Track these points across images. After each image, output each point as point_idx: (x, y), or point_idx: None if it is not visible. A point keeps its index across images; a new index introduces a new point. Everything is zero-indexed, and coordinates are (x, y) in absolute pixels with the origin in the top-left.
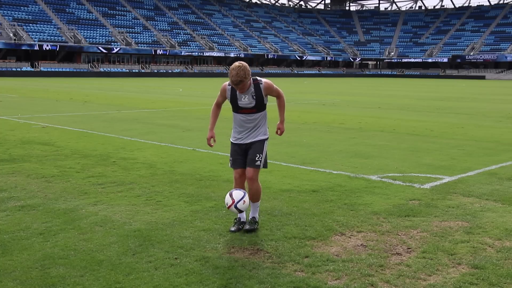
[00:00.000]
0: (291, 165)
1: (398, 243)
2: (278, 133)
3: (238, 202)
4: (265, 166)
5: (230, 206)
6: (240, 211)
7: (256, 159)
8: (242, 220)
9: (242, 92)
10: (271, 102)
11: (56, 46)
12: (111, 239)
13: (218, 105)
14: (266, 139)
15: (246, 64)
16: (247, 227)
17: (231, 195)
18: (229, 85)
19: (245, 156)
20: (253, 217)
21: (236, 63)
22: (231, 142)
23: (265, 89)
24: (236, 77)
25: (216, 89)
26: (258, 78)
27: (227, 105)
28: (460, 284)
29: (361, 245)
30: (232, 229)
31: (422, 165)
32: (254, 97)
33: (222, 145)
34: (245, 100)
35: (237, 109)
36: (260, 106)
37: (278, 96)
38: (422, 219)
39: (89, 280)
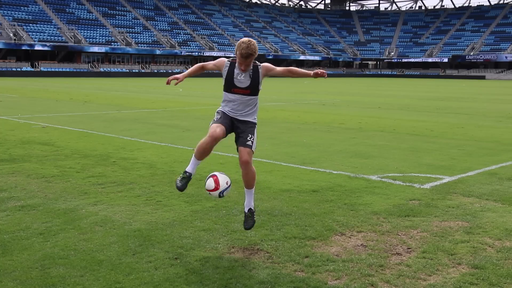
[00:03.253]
0: (291, 165)
1: (398, 243)
2: (321, 73)
3: (224, 190)
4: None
5: (212, 190)
6: (221, 197)
7: (248, 139)
8: (191, 177)
9: (245, 70)
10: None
11: (56, 46)
12: (111, 239)
13: (203, 68)
14: (256, 124)
15: (255, 41)
16: (248, 225)
17: (216, 181)
18: (228, 61)
19: (232, 128)
20: (250, 209)
21: (245, 38)
22: (220, 111)
23: (263, 70)
24: (247, 50)
25: (216, 89)
26: (258, 62)
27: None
28: (460, 284)
29: (361, 245)
30: (180, 184)
31: (422, 165)
32: (251, 76)
33: (222, 145)
34: (241, 78)
35: (230, 87)
36: (254, 88)
37: (289, 70)
38: (422, 219)
39: (89, 280)
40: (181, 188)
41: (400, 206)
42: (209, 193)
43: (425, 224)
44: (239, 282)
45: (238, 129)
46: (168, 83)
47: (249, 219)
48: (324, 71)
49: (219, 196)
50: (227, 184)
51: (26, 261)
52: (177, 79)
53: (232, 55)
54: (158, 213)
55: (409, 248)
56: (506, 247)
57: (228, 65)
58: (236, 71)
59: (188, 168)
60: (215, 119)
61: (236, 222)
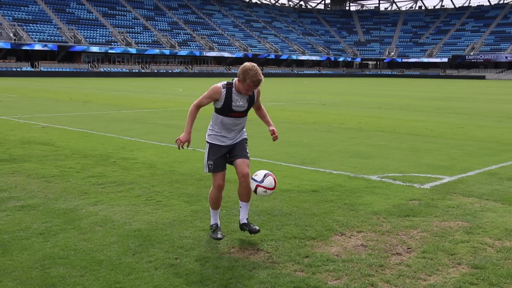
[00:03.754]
0: (291, 165)
1: (398, 243)
2: (275, 135)
3: (271, 189)
4: None
5: (271, 189)
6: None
7: (247, 151)
8: (219, 226)
9: (245, 95)
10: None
11: (56, 46)
12: (111, 239)
13: (199, 108)
14: (246, 138)
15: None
16: (256, 228)
17: (275, 180)
18: (223, 87)
19: (225, 158)
20: (247, 219)
21: (248, 64)
22: (212, 143)
23: (257, 93)
24: (257, 77)
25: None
26: None
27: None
28: (460, 284)
29: (361, 245)
30: (219, 236)
31: (422, 165)
32: (248, 100)
33: None
34: (240, 103)
35: (227, 112)
36: (249, 109)
37: (260, 106)
38: (422, 219)
39: (89, 280)
40: (220, 238)
41: (400, 206)
42: (266, 191)
43: (425, 224)
44: (239, 282)
45: (233, 149)
46: (181, 148)
47: (252, 225)
48: (276, 136)
49: (265, 192)
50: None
51: (26, 261)
52: (188, 141)
53: (224, 82)
54: (158, 213)
55: (409, 248)
56: (506, 247)
57: (225, 92)
58: (235, 96)
59: (212, 221)
60: (210, 166)
61: (236, 222)
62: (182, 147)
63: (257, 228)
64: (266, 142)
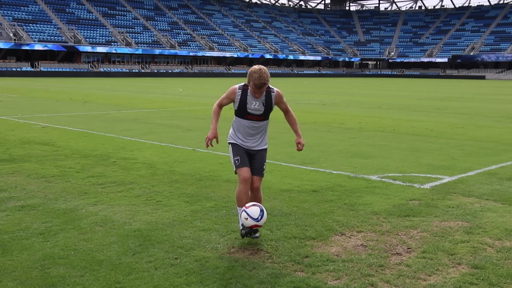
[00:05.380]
0: (291, 165)
1: (398, 243)
2: (299, 148)
3: (260, 219)
4: None
5: (254, 226)
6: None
7: (264, 167)
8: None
9: (259, 97)
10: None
11: (56, 46)
12: (111, 239)
13: (221, 107)
14: (267, 148)
15: (265, 68)
16: (256, 235)
17: (253, 217)
18: (239, 88)
19: (249, 155)
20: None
21: (256, 67)
22: (233, 142)
23: (276, 97)
24: (260, 80)
25: (215, 89)
26: (271, 86)
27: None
28: (460, 284)
29: (361, 245)
30: (257, 234)
31: (422, 165)
32: (264, 104)
33: (222, 145)
34: (255, 106)
35: (243, 114)
36: (267, 114)
37: (287, 111)
38: (422, 219)
39: (89, 280)
40: (258, 237)
41: (400, 206)
42: (248, 219)
43: (425, 224)
44: (239, 282)
45: (254, 157)
46: (209, 146)
47: (256, 231)
48: (301, 147)
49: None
50: (259, 210)
51: (26, 261)
52: (215, 137)
53: (242, 84)
54: (158, 213)
55: (409, 248)
56: (506, 247)
57: (240, 92)
58: (249, 99)
59: (242, 221)
60: (236, 162)
61: (236, 222)
62: (211, 144)
63: (257, 235)
64: None
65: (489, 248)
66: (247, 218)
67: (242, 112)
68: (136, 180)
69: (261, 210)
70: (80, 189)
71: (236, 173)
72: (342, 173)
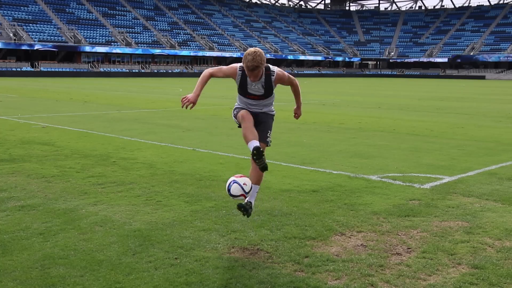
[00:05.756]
0: (291, 165)
1: (398, 243)
2: (296, 117)
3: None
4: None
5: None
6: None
7: (268, 135)
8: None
9: (254, 81)
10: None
11: (56, 46)
12: (111, 239)
13: (211, 75)
14: (274, 115)
15: (262, 51)
16: (247, 212)
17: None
18: (239, 70)
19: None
20: (250, 202)
21: (251, 49)
22: (239, 106)
23: (276, 80)
24: (253, 62)
25: (215, 89)
26: (271, 67)
27: (230, 106)
28: (460, 284)
29: (361, 245)
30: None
31: (422, 165)
32: (264, 86)
33: (222, 145)
34: (255, 88)
35: (245, 93)
36: (268, 94)
37: (292, 84)
38: (422, 219)
39: (89, 280)
40: (243, 207)
41: (400, 206)
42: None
43: (425, 224)
44: (239, 282)
45: (258, 117)
46: (184, 107)
47: (248, 207)
48: (298, 115)
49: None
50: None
51: (26, 261)
52: (192, 103)
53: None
54: (158, 213)
55: (409, 248)
56: (506, 247)
57: (241, 74)
58: (248, 80)
59: (250, 145)
60: (236, 112)
61: (236, 222)
62: (187, 107)
63: (249, 213)
64: None
65: (489, 248)
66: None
67: (243, 91)
68: (136, 180)
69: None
70: (80, 189)
71: (236, 121)
72: (342, 173)
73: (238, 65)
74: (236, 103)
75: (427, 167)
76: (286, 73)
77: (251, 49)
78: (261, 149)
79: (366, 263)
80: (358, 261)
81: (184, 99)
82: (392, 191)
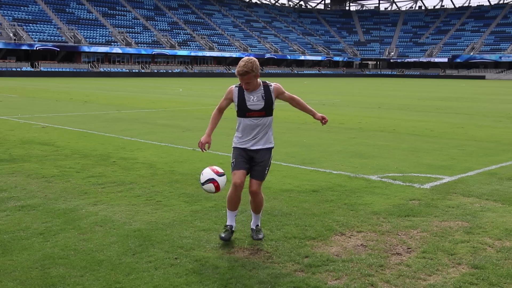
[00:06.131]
0: (291, 165)
1: (398, 243)
2: (324, 121)
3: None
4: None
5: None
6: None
7: (265, 171)
8: (233, 229)
9: (249, 91)
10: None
11: (56, 46)
12: (111, 239)
13: (221, 111)
14: (273, 147)
15: (255, 59)
16: (258, 236)
17: (217, 187)
18: (236, 87)
19: (249, 161)
20: (257, 225)
21: (245, 57)
22: (235, 147)
23: (275, 91)
24: (243, 68)
25: (215, 89)
26: (268, 82)
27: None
28: (460, 284)
29: (361, 245)
30: (224, 236)
31: (422, 165)
32: (264, 97)
33: (222, 145)
34: (254, 101)
35: (245, 112)
36: (268, 109)
37: (292, 98)
38: (422, 219)
39: (89, 280)
40: (227, 239)
41: (400, 206)
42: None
43: (425, 224)
44: (239, 282)
45: (256, 160)
46: (203, 150)
47: (259, 232)
48: (327, 119)
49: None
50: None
51: (26, 261)
52: (208, 142)
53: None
54: (158, 213)
55: (409, 248)
56: (506, 247)
57: (237, 90)
58: (246, 94)
59: (228, 222)
60: (232, 164)
61: (236, 222)
62: (204, 149)
63: (260, 236)
64: None
65: (489, 248)
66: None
67: (242, 110)
68: (136, 180)
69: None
70: (80, 189)
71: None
72: (342, 173)
73: (233, 85)
74: (235, 136)
75: (427, 167)
76: (284, 89)
77: (245, 58)
78: (232, 229)
79: (366, 263)
80: (358, 261)
81: (199, 144)
82: (392, 191)
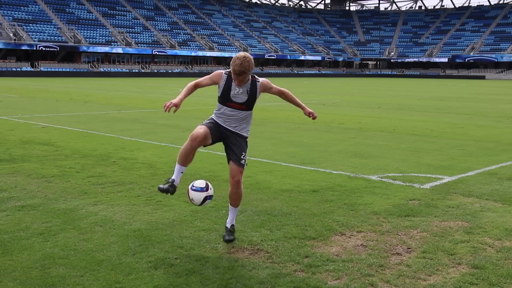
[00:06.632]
0: (291, 165)
1: (398, 243)
2: (313, 117)
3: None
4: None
5: (204, 200)
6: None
7: (242, 157)
8: (175, 183)
9: (239, 85)
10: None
11: (56, 46)
12: (111, 239)
13: (197, 86)
14: (247, 138)
15: (251, 57)
16: (229, 238)
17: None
18: (225, 73)
19: (220, 136)
20: (233, 225)
21: (241, 53)
22: (213, 118)
23: (261, 87)
24: (240, 67)
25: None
26: (257, 76)
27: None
28: (460, 284)
29: (361, 245)
30: (163, 186)
31: (422, 165)
32: (248, 92)
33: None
34: (239, 93)
35: (226, 101)
36: (250, 104)
37: (281, 92)
38: (422, 219)
39: (89, 280)
40: (165, 190)
41: (400, 206)
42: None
43: (425, 224)
44: (239, 282)
45: (229, 140)
46: (167, 110)
47: (231, 234)
48: (316, 115)
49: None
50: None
51: (26, 261)
52: (175, 105)
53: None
54: (158, 213)
55: (409, 248)
56: (506, 247)
57: (226, 78)
58: (233, 85)
59: (174, 176)
60: (202, 122)
61: (236, 222)
62: (169, 110)
63: (232, 238)
64: (266, 142)
65: (489, 248)
66: (192, 198)
67: (225, 98)
68: (136, 180)
69: (205, 182)
70: (80, 189)
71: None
72: (342, 173)
73: (223, 70)
74: (212, 116)
75: (427, 167)
76: (272, 84)
77: (240, 54)
78: (173, 183)
79: (366, 263)
80: (358, 261)
81: (167, 103)
82: (392, 191)
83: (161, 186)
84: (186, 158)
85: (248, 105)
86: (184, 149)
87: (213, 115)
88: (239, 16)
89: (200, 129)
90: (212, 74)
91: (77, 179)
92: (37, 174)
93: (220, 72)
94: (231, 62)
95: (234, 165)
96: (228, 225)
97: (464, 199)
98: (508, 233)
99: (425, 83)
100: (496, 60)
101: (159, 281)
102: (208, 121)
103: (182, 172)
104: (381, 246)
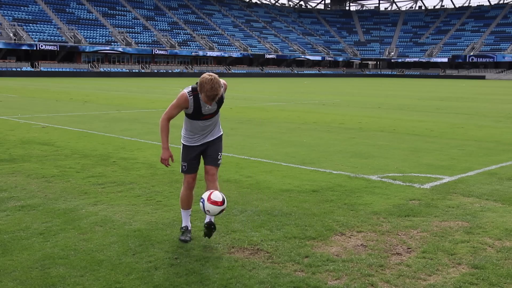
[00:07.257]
0: (291, 165)
1: (398, 243)
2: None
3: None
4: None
5: (221, 211)
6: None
7: (219, 157)
8: (189, 228)
9: (211, 104)
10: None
11: (56, 46)
12: (111, 239)
13: (169, 120)
14: (222, 135)
15: (215, 75)
16: (209, 234)
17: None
18: (190, 95)
19: (199, 159)
20: (210, 221)
21: (206, 76)
22: (186, 145)
23: (225, 90)
24: (212, 91)
25: None
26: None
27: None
28: (460, 284)
29: (361, 245)
30: (184, 238)
31: (422, 165)
32: (217, 102)
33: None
34: (210, 107)
35: (199, 116)
36: (219, 107)
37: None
38: (422, 219)
39: (89, 280)
40: (187, 240)
41: (400, 206)
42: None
43: (425, 224)
44: (239, 282)
45: (208, 148)
46: (168, 165)
47: (210, 229)
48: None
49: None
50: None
51: (26, 261)
52: (170, 156)
53: (190, 88)
54: (158, 213)
55: (409, 248)
56: (506, 247)
57: (192, 99)
58: (202, 103)
59: (183, 223)
60: (183, 168)
61: (236, 222)
62: (169, 164)
63: (210, 234)
64: (266, 142)
65: (489, 248)
66: (208, 210)
67: (197, 115)
68: (136, 180)
69: (221, 194)
70: (80, 189)
71: (180, 172)
72: (342, 173)
73: (186, 91)
74: (183, 132)
75: (427, 167)
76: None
77: (206, 77)
78: (188, 229)
79: (366, 263)
80: (358, 261)
81: (163, 162)
82: (392, 191)
83: (182, 238)
84: (188, 203)
85: (218, 110)
86: (184, 196)
87: (183, 140)
88: (239, 16)
89: (190, 178)
90: (177, 101)
91: (77, 179)
92: (37, 174)
93: (184, 95)
94: (198, 88)
95: (211, 167)
96: (207, 220)
97: (464, 199)
98: (508, 233)
99: (425, 83)
100: (496, 60)
101: (159, 281)
102: (185, 164)
103: (190, 215)
104: (381, 246)
